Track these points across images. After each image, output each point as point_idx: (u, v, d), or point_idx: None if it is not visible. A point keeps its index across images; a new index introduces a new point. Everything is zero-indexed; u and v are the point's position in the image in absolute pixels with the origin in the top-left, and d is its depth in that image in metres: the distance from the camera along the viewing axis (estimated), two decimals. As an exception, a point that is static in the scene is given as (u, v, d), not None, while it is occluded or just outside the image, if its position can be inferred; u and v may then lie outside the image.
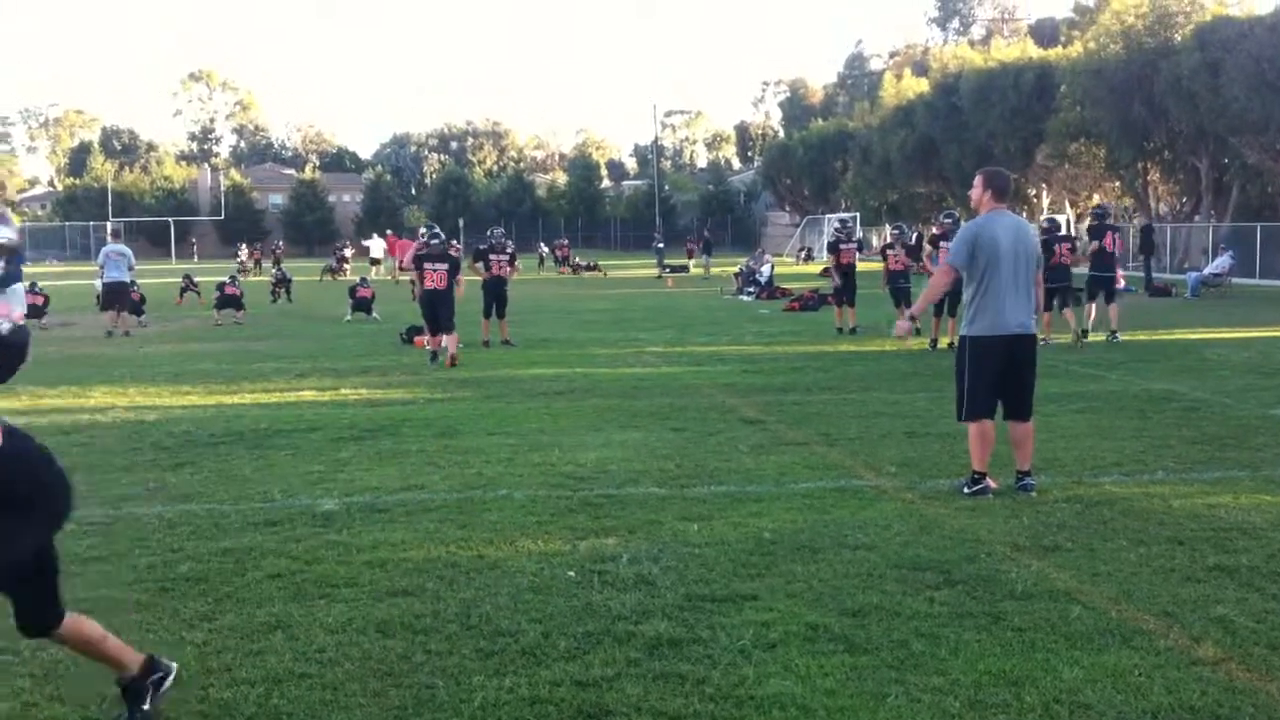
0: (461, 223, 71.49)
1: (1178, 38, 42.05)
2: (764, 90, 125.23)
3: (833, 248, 20.73)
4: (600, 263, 52.85)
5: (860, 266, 21.14)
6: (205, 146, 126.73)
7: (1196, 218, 45.93)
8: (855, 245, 20.36)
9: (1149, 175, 49.52)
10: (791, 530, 6.70)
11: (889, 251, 19.62)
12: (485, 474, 8.41)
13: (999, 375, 7.58)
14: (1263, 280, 36.67)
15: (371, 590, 5.72)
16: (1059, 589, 5.57)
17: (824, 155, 78.55)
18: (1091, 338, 17.45)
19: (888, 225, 21.03)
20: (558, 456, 9.02)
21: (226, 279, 25.75)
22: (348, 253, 50.12)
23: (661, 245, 55.12)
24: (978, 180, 7.89)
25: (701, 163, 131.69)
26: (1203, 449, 9.05)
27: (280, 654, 4.88)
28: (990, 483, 7.58)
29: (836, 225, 21.87)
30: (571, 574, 5.92)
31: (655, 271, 48.25)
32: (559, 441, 9.69)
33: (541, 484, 8.06)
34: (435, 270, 16.13)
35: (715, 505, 7.35)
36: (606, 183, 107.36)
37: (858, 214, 65.68)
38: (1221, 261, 33.37)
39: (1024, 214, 52.14)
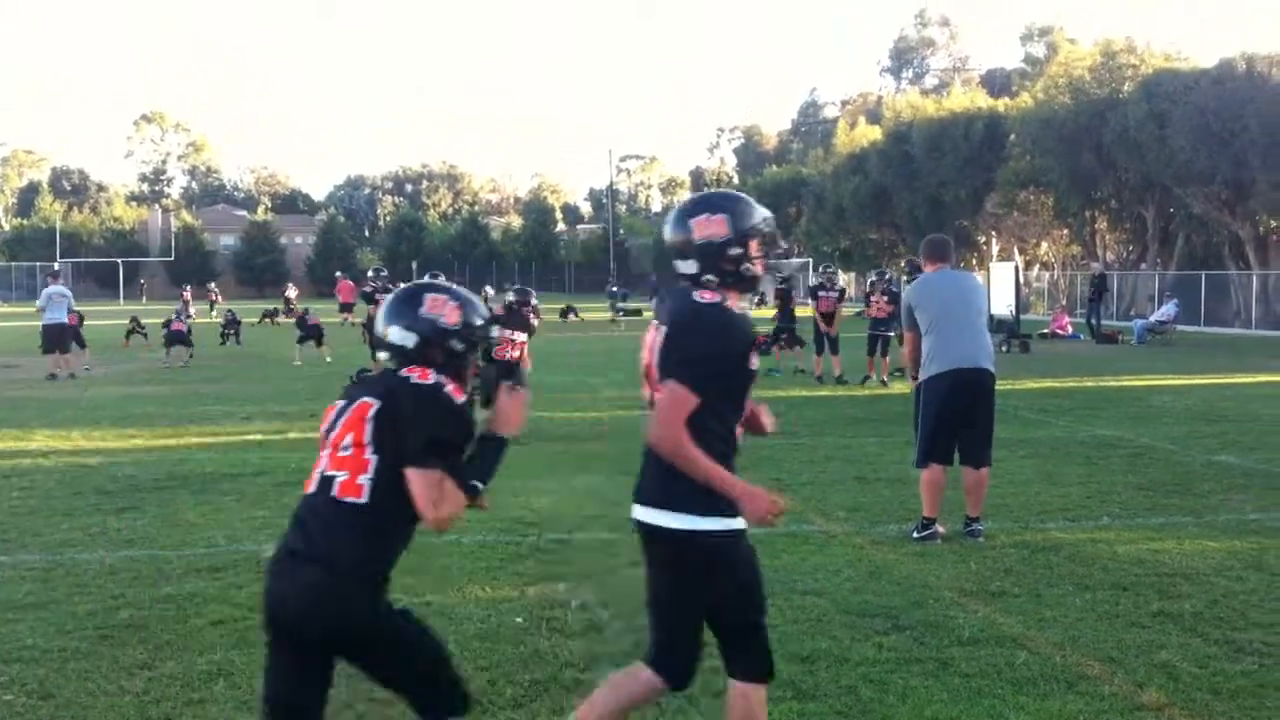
0: (415, 265, 71.29)
1: (1125, 89, 42.96)
2: (719, 136, 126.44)
3: (812, 294, 20.26)
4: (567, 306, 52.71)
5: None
6: (156, 188, 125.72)
7: (1143, 266, 46.72)
8: (837, 294, 19.86)
9: (1096, 224, 50.38)
10: (741, 576, 6.68)
11: (871, 298, 19.47)
12: (434, 519, 8.32)
13: (956, 415, 7.63)
14: (1207, 328, 37.32)
15: (316, 637, 5.63)
16: (1005, 634, 5.60)
17: (778, 201, 79.09)
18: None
19: (871, 272, 20.97)
20: (508, 501, 8.96)
21: (172, 316, 25.55)
22: (292, 293, 49.86)
23: (616, 289, 55.23)
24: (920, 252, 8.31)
25: (657, 207, 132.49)
26: (1147, 495, 9.16)
27: (221, 703, 4.81)
28: (939, 528, 7.63)
29: (819, 272, 21.36)
30: (520, 620, 5.88)
31: (609, 315, 48.31)
32: (510, 485, 9.63)
33: (491, 529, 8.00)
34: None
35: (665, 551, 7.31)
36: (561, 226, 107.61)
37: (835, 264, 66.18)
38: (1167, 309, 33.93)
39: (974, 261, 52.89)
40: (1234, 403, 16.00)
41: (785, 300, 21.21)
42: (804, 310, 22.57)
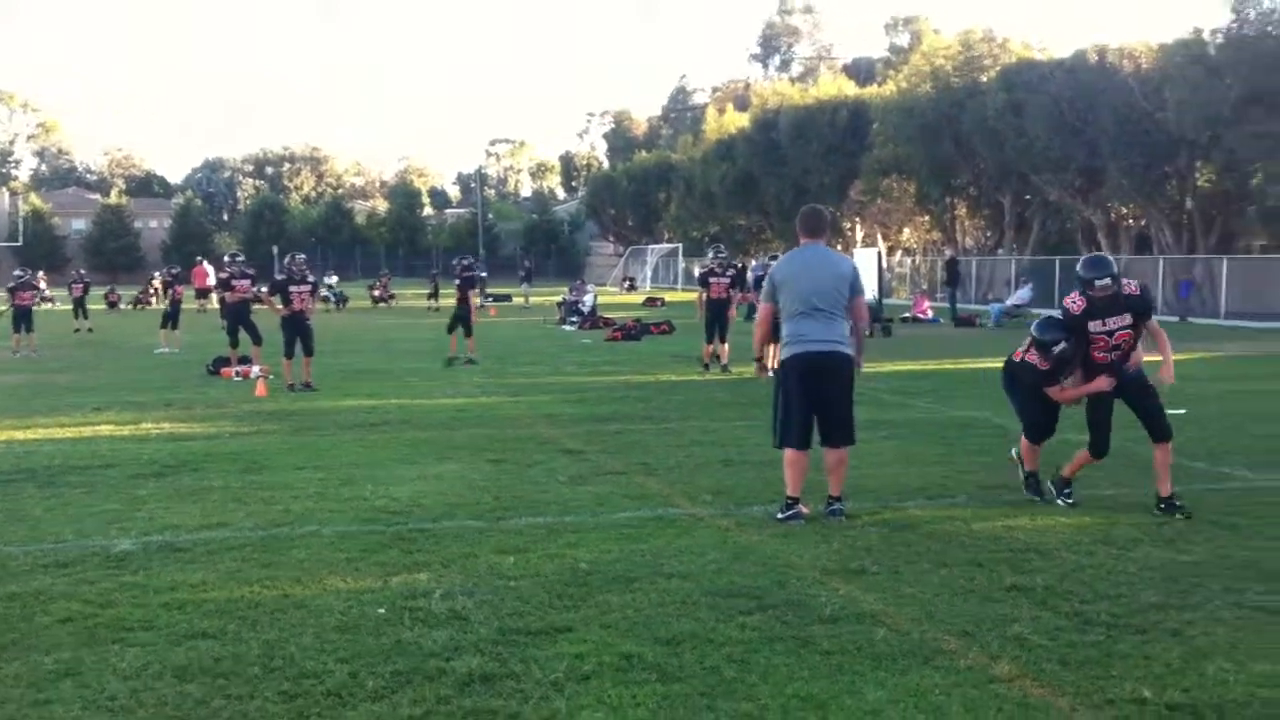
0: (276, 250, 69.64)
1: (984, 79, 44.13)
2: (589, 121, 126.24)
3: (703, 281, 19.45)
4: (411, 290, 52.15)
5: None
6: (3, 170, 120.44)
7: (1000, 251, 48.16)
8: (728, 280, 19.11)
9: (956, 210, 51.75)
10: (608, 560, 6.69)
11: (711, 279, 18.92)
12: (293, 510, 8.15)
13: (808, 398, 7.72)
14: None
15: (169, 633, 5.47)
16: (865, 611, 5.70)
17: (647, 186, 79.62)
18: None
19: (710, 251, 20.58)
20: (370, 491, 8.81)
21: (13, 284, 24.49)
22: (157, 281, 48.31)
23: (484, 274, 54.77)
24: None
25: (526, 192, 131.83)
26: (1002, 473, 9.39)
27: (69, 703, 4.62)
28: (802, 509, 7.73)
29: (709, 256, 20.46)
30: (382, 611, 5.77)
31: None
32: (372, 475, 9.48)
33: (353, 519, 7.86)
34: (303, 293, 15.95)
35: (532, 537, 7.28)
36: (429, 211, 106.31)
37: (724, 248, 66.62)
38: (1022, 293, 35.06)
39: (839, 247, 53.83)
40: (1084, 383, 16.55)
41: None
42: (689, 295, 22.60)
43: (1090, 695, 4.60)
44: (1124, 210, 43.10)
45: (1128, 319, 7.83)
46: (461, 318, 20.55)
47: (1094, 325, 7.82)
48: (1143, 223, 42.19)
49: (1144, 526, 7.49)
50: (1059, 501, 8.10)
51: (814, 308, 7.68)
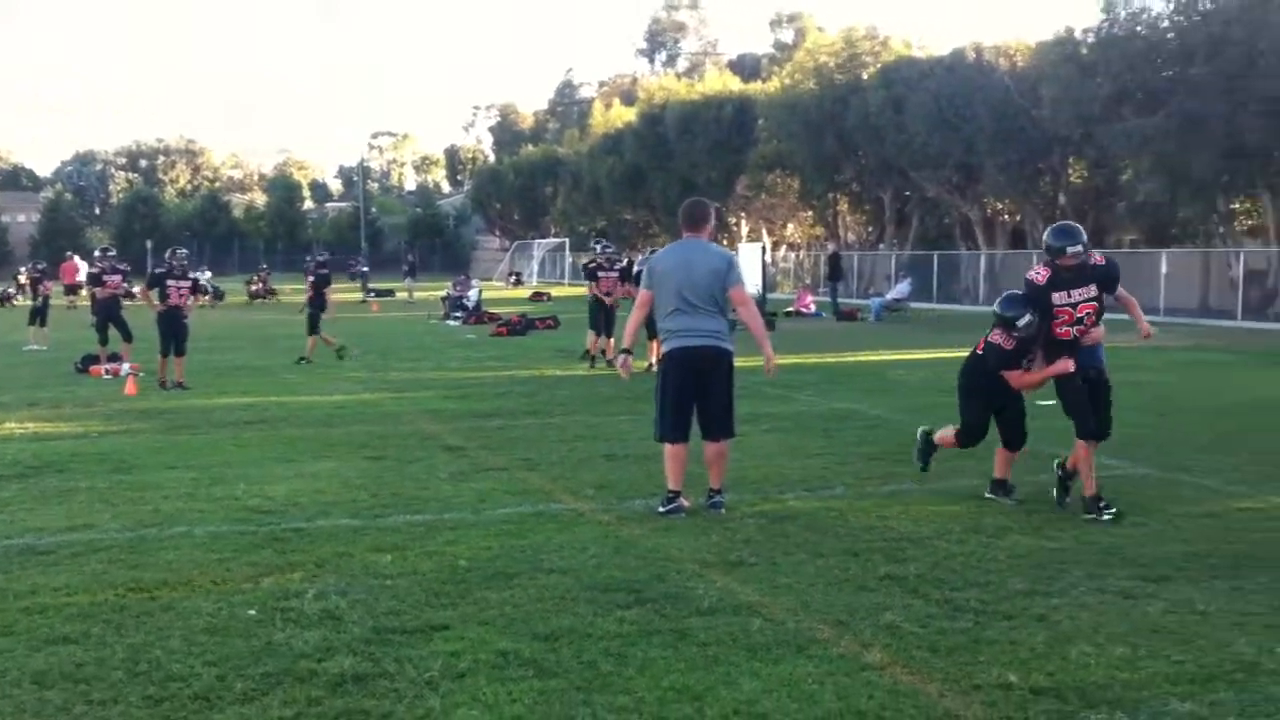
0: (150, 244, 67.72)
1: (866, 76, 44.84)
2: (474, 114, 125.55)
3: (592, 274, 19.25)
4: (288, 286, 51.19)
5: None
6: None
7: (881, 246, 49.03)
8: (618, 274, 19.10)
9: (839, 206, 52.53)
10: (487, 557, 6.64)
11: (600, 274, 18.91)
12: (162, 510, 7.92)
13: (685, 392, 7.74)
14: (939, 304, 39.48)
15: (29, 639, 5.27)
16: (742, 603, 5.74)
17: (534, 180, 79.29)
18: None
19: (597, 246, 20.59)
20: (244, 490, 8.61)
21: None
22: (23, 277, 46.58)
23: (366, 269, 54.02)
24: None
25: (410, 185, 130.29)
26: (879, 464, 9.59)
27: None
28: (684, 502, 7.76)
29: (597, 250, 20.23)
30: (253, 612, 5.64)
31: (359, 296, 47.26)
32: (246, 474, 9.27)
33: (225, 519, 7.67)
34: (182, 289, 15.63)
35: (410, 535, 7.19)
36: (310, 204, 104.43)
37: (610, 242, 66.51)
38: (902, 288, 35.77)
39: (725, 241, 54.27)
40: (960, 375, 16.93)
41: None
42: (577, 290, 22.51)
43: (958, 681, 4.70)
44: (1000, 206, 44.18)
45: (1093, 290, 7.62)
46: (312, 317, 19.79)
47: (1058, 297, 7.58)
48: (1018, 218, 43.29)
49: (1013, 515, 7.69)
50: (1103, 518, 7.50)
51: (688, 303, 7.67)
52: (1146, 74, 30.80)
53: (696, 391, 7.74)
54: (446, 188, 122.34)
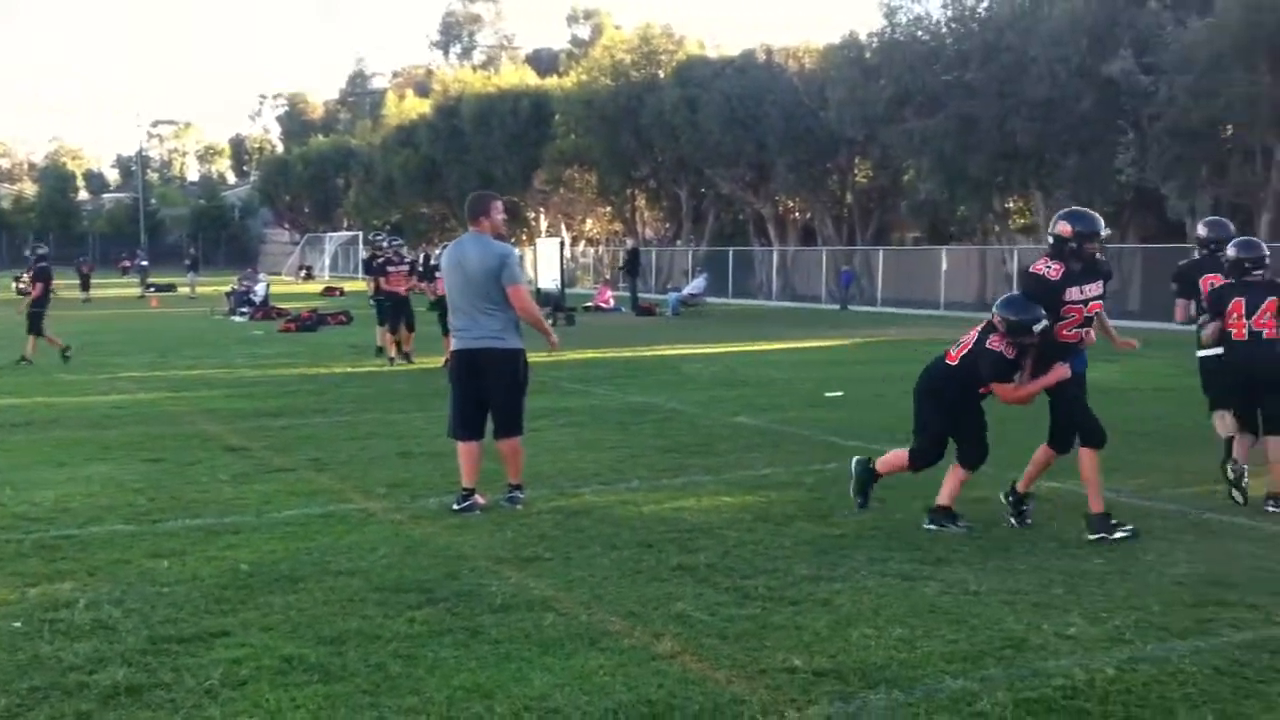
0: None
1: (661, 74, 45.44)
2: (261, 103, 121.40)
3: (380, 270, 18.56)
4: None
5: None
6: None
7: (678, 242, 49.79)
8: (407, 268, 18.67)
9: (636, 202, 53.09)
10: (271, 561, 6.42)
11: (389, 269, 18.40)
12: (-84, 520, 7.38)
13: (469, 391, 7.71)
14: (734, 299, 40.39)
15: None
16: (536, 598, 5.72)
17: (325, 171, 77.34)
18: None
19: (386, 241, 20.16)
20: (9, 496, 8.10)
21: None
22: None
23: (145, 263, 51.67)
24: None
25: (193, 176, 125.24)
26: (673, 457, 9.72)
27: None
28: (478, 499, 7.68)
29: (383, 245, 19.66)
30: (18, 625, 5.32)
31: (138, 291, 45.21)
32: (11, 479, 8.72)
33: (-14, 527, 7.20)
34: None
35: (189, 540, 6.89)
36: (84, 195, 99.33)
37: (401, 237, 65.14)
38: (697, 283, 36.40)
39: (524, 236, 54.15)
40: (753, 368, 17.37)
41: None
42: (358, 284, 22.02)
43: (745, 666, 4.79)
44: (791, 203, 45.47)
45: (1101, 286, 6.95)
46: (34, 315, 18.16)
47: (1072, 293, 6.82)
48: (808, 215, 44.63)
49: (800, 503, 7.88)
50: (1119, 535, 6.80)
51: (468, 302, 7.64)
52: (926, 77, 32.11)
53: (482, 390, 7.69)
54: (232, 178, 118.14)
